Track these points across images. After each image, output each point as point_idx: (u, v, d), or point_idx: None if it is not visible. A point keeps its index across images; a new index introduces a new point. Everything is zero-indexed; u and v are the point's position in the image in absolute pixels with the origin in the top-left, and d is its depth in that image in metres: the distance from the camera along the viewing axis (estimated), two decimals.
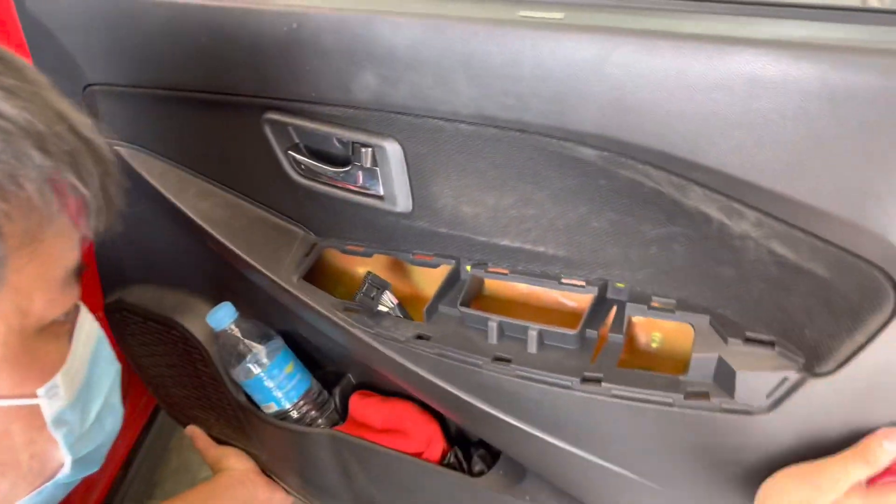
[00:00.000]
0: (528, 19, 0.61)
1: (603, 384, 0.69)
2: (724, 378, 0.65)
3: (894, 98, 0.49)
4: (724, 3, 0.58)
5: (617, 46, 0.57)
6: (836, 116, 0.51)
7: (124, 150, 0.91)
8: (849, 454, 0.57)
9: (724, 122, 0.55)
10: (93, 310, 1.18)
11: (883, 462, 0.56)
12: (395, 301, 0.84)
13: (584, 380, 0.70)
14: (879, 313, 0.55)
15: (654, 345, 0.76)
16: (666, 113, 0.57)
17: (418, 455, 0.91)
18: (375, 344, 0.81)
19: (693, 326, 0.68)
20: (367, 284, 0.82)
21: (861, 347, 0.57)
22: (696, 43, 0.54)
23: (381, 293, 0.83)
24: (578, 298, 0.78)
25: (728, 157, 0.56)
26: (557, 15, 0.60)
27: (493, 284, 0.83)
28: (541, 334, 0.73)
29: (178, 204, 0.89)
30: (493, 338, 0.75)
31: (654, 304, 0.70)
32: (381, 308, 0.83)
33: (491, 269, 0.79)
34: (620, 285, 0.73)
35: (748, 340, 0.64)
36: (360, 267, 0.92)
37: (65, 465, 0.49)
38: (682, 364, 0.73)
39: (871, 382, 0.57)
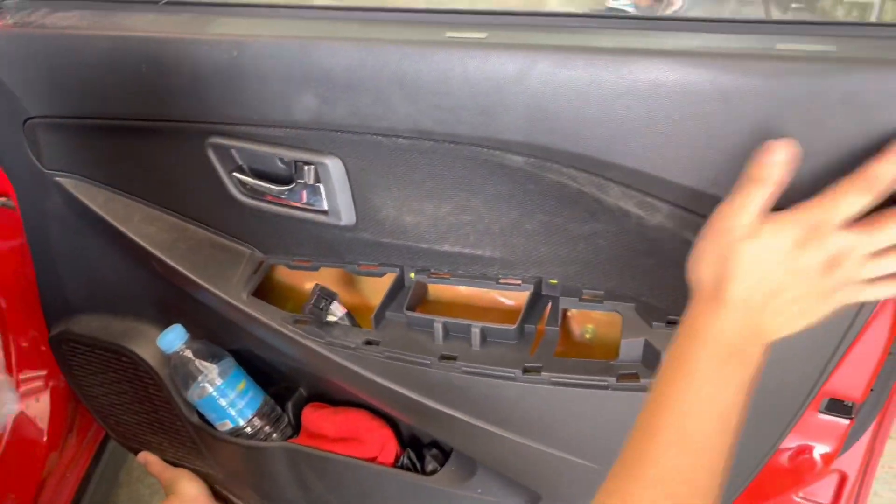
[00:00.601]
0: (455, 39, 0.66)
1: (543, 373, 0.74)
2: (651, 359, 0.71)
3: (776, 98, 0.56)
4: (629, 19, 0.65)
5: (536, 61, 0.63)
6: (729, 115, 0.58)
7: (67, 181, 0.92)
8: (742, 179, 0.55)
9: (635, 125, 0.61)
10: (37, 342, 1.18)
11: (777, 174, 0.53)
12: (344, 310, 0.87)
13: (526, 370, 0.75)
14: None
15: (587, 336, 0.82)
16: (583, 119, 0.63)
17: (372, 460, 0.94)
18: (327, 353, 0.84)
19: (620, 314, 0.74)
20: (315, 296, 0.85)
21: None
22: (606, 55, 0.61)
23: (330, 303, 0.86)
24: (516, 297, 0.83)
25: (640, 156, 0.63)
26: (481, 35, 0.66)
27: (436, 289, 0.87)
28: (483, 332, 0.78)
29: (124, 230, 0.91)
30: (439, 338, 0.80)
31: (585, 297, 0.76)
32: (331, 318, 0.86)
33: (433, 274, 0.83)
34: (553, 282, 0.79)
35: (670, 323, 0.71)
36: (308, 282, 0.96)
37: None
38: (613, 351, 0.79)
39: (776, 357, 0.64)
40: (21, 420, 1.13)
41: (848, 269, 0.53)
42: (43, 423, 1.19)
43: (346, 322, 0.87)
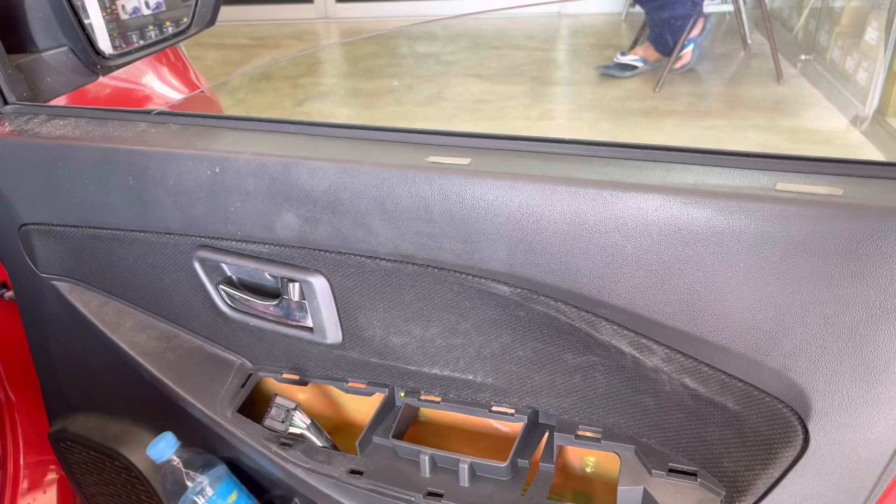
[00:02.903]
0: (437, 165, 0.63)
1: None
2: None
3: (775, 242, 0.50)
4: (617, 147, 0.60)
5: (518, 191, 0.58)
6: (725, 259, 0.52)
7: (62, 285, 0.91)
8: None
9: (624, 263, 0.56)
10: (39, 434, 1.15)
11: None
12: (308, 420, 0.83)
13: None
14: (790, 447, 0.55)
15: (588, 469, 0.75)
16: (568, 253, 0.58)
17: None
18: (310, 480, 0.79)
19: (619, 456, 0.67)
20: (273, 408, 0.83)
21: (777, 482, 0.56)
22: (591, 188, 0.56)
23: (291, 415, 0.83)
24: (511, 424, 0.77)
25: (632, 296, 0.57)
26: (464, 160, 0.62)
27: (428, 410, 0.82)
28: (472, 467, 0.72)
29: (114, 339, 0.89)
30: (426, 471, 0.74)
31: (582, 433, 0.70)
32: (294, 429, 0.83)
33: (424, 398, 0.78)
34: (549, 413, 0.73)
35: (671, 471, 0.64)
36: (299, 394, 0.92)
37: None
38: (615, 487, 0.72)
39: None
40: None
41: None
42: None
43: (312, 432, 0.83)
